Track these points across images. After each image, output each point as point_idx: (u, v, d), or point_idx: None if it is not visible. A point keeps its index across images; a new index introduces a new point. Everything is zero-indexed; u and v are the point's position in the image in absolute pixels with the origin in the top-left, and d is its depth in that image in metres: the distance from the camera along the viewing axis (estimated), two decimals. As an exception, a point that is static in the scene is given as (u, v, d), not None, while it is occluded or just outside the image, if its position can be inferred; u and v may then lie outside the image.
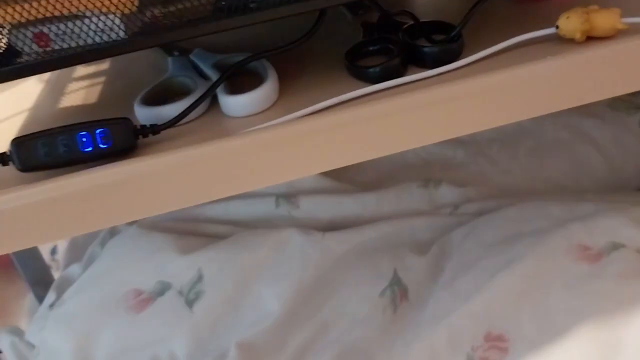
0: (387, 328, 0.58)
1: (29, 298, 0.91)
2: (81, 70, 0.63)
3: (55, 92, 0.58)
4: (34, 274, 0.92)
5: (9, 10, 0.38)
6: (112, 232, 0.75)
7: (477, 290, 0.55)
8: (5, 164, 0.40)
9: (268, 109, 0.45)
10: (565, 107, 0.44)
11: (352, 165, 0.80)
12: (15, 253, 0.92)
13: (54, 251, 1.02)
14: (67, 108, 0.54)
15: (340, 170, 0.77)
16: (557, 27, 0.44)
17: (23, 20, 0.38)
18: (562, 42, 0.44)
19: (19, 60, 0.41)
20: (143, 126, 0.43)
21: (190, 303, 0.64)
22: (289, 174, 0.42)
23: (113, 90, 0.55)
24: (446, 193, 0.71)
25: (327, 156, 0.42)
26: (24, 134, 0.40)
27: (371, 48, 0.50)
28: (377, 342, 0.57)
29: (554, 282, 0.53)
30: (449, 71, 0.45)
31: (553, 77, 0.43)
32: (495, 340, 0.52)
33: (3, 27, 0.39)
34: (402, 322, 0.58)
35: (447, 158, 0.76)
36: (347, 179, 0.75)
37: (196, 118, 0.46)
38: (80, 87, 0.58)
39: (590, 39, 0.43)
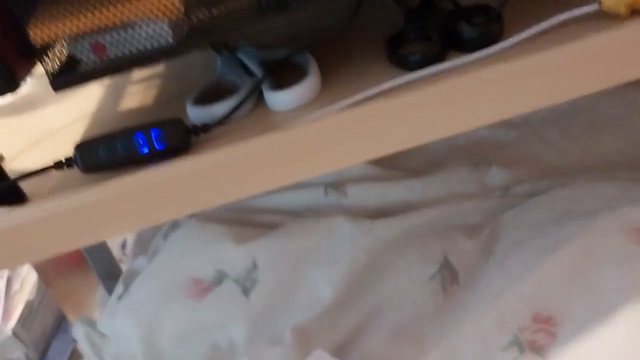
0: (438, 310, 0.59)
1: (100, 291, 0.96)
2: (137, 74, 0.66)
3: (114, 96, 0.61)
4: (104, 268, 0.97)
5: (68, 23, 0.41)
6: (174, 225, 0.79)
7: (527, 271, 0.54)
8: (70, 166, 0.44)
9: (312, 101, 0.46)
10: (614, 84, 0.43)
11: (400, 152, 0.80)
12: (86, 249, 0.97)
13: (124, 246, 1.07)
14: (125, 111, 0.57)
15: (387, 157, 0.78)
16: (599, 2, 0.43)
17: (81, 32, 0.41)
18: (606, 17, 0.43)
19: (79, 68, 0.43)
20: (195, 125, 0.45)
21: (246, 291, 0.66)
22: (337, 163, 0.43)
23: (167, 92, 0.58)
24: (497, 175, 0.71)
25: (373, 144, 0.43)
26: (87, 137, 0.43)
27: (412, 35, 0.50)
28: (428, 325, 0.58)
29: (605, 263, 0.53)
30: (490, 54, 0.44)
31: (598, 54, 0.42)
32: (544, 322, 0.52)
33: (64, 39, 0.42)
34: (452, 304, 0.59)
35: (498, 139, 0.76)
36: (394, 165, 0.75)
37: (244, 114, 0.48)
38: (137, 90, 0.61)
39: (636, 12, 0.42)
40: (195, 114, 0.48)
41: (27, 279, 1.14)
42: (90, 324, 0.73)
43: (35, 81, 0.72)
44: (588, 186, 0.62)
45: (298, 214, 0.73)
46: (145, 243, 0.83)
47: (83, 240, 0.43)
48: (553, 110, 0.78)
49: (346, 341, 0.60)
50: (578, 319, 0.51)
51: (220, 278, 0.68)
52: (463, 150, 0.76)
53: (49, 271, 1.13)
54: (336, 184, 0.73)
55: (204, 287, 0.68)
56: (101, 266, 0.97)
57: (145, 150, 0.43)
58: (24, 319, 1.08)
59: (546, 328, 0.51)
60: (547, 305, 0.52)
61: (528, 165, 0.71)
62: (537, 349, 0.51)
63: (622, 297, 0.50)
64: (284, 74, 0.48)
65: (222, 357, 0.63)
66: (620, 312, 0.49)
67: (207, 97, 0.50)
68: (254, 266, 0.67)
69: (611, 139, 0.73)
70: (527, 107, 0.44)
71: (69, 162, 0.43)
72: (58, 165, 0.44)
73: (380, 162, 0.75)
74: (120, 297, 0.73)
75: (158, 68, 0.64)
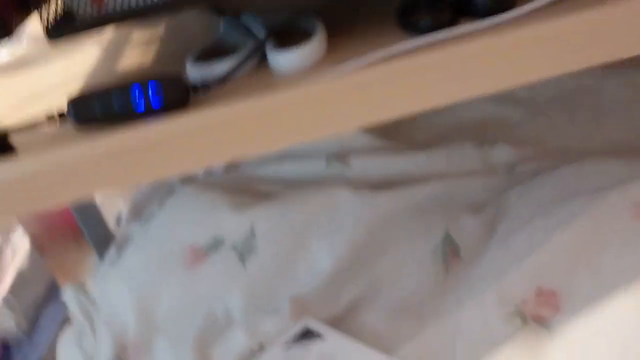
0: (439, 285, 0.58)
1: (93, 259, 0.96)
2: (137, 35, 0.64)
3: (113, 56, 0.60)
4: (98, 237, 0.96)
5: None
6: (170, 191, 0.77)
7: (532, 247, 0.53)
8: (63, 121, 0.42)
9: (317, 63, 0.45)
10: (627, 56, 0.42)
11: (405, 126, 0.79)
12: (80, 217, 0.96)
13: (119, 219, 1.06)
14: (123, 70, 0.55)
15: (392, 130, 0.77)
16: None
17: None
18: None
19: (75, 19, 0.42)
20: (194, 83, 0.43)
21: (243, 259, 0.65)
22: (339, 126, 0.42)
23: (167, 53, 0.56)
24: (502, 153, 0.70)
25: (377, 108, 0.42)
26: (81, 92, 0.41)
27: (424, 1, 0.48)
28: (428, 299, 0.57)
29: (610, 240, 0.52)
30: (502, 22, 0.43)
31: (614, 22, 0.40)
32: (547, 296, 0.51)
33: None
34: (454, 280, 0.58)
35: (503, 118, 0.74)
36: (399, 139, 0.74)
37: (246, 75, 0.47)
38: (137, 51, 0.59)
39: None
40: (195, 72, 0.46)
41: (20, 248, 1.13)
42: (82, 289, 0.72)
43: (32, 42, 0.70)
44: (595, 164, 0.61)
45: (298, 184, 0.71)
46: (140, 210, 0.81)
47: (73, 195, 0.42)
48: (560, 91, 0.77)
49: (344, 313, 0.59)
50: (581, 294, 0.50)
51: (216, 245, 0.67)
52: (469, 127, 0.75)
53: (42, 240, 1.12)
54: (339, 155, 0.72)
55: (199, 254, 0.67)
56: (95, 235, 0.96)
57: (142, 106, 0.41)
58: (15, 287, 1.07)
59: (550, 301, 0.51)
60: (550, 280, 0.52)
61: (533, 144, 0.70)
62: (541, 320, 0.50)
63: (627, 273, 0.49)
64: (290, 39, 0.47)
65: (217, 326, 0.62)
66: (625, 288, 0.48)
67: (209, 56, 0.48)
68: (252, 234, 0.66)
69: (617, 120, 0.72)
70: (537, 76, 0.42)
71: (62, 117, 0.42)
72: (50, 118, 0.42)
73: (384, 135, 0.74)
74: (112, 263, 0.72)
75: (159, 29, 0.63)
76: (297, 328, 0.58)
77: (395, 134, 0.75)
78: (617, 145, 0.70)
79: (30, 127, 0.43)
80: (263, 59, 0.47)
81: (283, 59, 0.45)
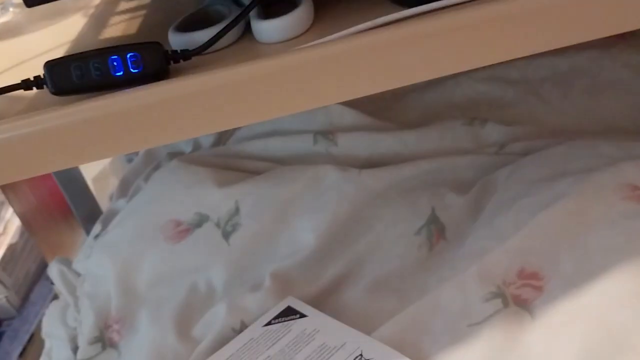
0: (422, 265, 0.57)
1: (81, 235, 0.95)
2: (123, 5, 0.63)
3: (96, 25, 0.59)
4: (88, 214, 0.96)
5: None
6: (157, 166, 0.77)
7: (516, 227, 0.53)
8: (39, 87, 0.41)
9: (302, 34, 0.44)
10: (631, 28, 0.41)
11: (395, 104, 0.78)
12: (70, 195, 0.95)
13: (112, 198, 1.05)
14: (106, 39, 0.54)
15: (381, 109, 0.76)
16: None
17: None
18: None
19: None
20: (174, 51, 0.42)
21: (227, 235, 0.64)
22: (324, 99, 0.41)
23: (152, 23, 0.55)
24: (492, 132, 0.69)
25: (363, 80, 0.41)
26: (59, 57, 0.40)
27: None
28: (411, 278, 0.56)
29: (597, 220, 0.51)
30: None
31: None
32: (530, 278, 0.50)
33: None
34: (437, 259, 0.57)
35: (495, 97, 0.73)
36: (388, 118, 0.73)
37: (229, 45, 0.46)
38: (121, 20, 0.58)
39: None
40: (177, 40, 0.45)
41: (11, 222, 1.13)
42: (66, 263, 0.71)
43: (17, 10, 0.69)
44: (586, 144, 0.60)
45: (285, 161, 0.70)
46: (127, 186, 0.81)
47: (51, 166, 0.41)
48: (553, 70, 0.76)
49: (326, 290, 0.58)
50: (564, 276, 0.49)
51: (200, 220, 0.66)
52: (459, 106, 0.73)
53: (32, 219, 1.11)
54: (326, 132, 0.71)
55: (183, 229, 0.66)
56: (84, 214, 0.96)
57: (120, 73, 0.40)
58: (5, 263, 1.07)
59: (532, 283, 0.50)
60: (533, 261, 0.51)
61: (525, 123, 0.69)
62: (522, 302, 0.50)
63: (613, 256, 0.48)
64: (276, 9, 0.45)
65: (199, 300, 0.62)
66: (610, 270, 0.47)
67: (192, 26, 0.47)
68: (236, 210, 0.65)
69: (612, 102, 0.71)
70: (523, 51, 0.41)
71: (38, 82, 0.41)
72: (26, 83, 0.41)
73: (373, 113, 0.73)
74: (97, 237, 0.71)
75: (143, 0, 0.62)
76: (279, 307, 0.58)
77: (385, 112, 0.74)
78: (611, 126, 0.69)
79: (4, 91, 0.41)
80: (248, 29, 0.46)
81: (267, 28, 0.44)
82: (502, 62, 0.41)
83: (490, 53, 0.41)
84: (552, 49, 0.41)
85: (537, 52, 0.41)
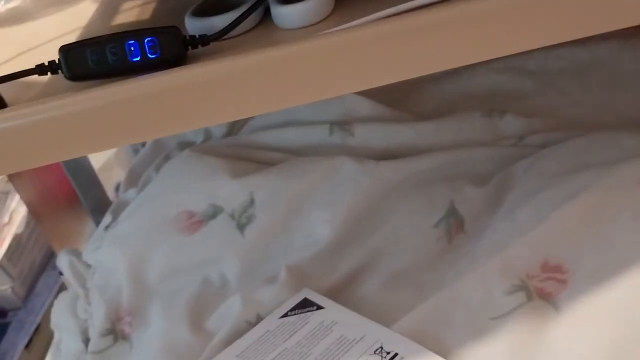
0: (440, 258, 0.56)
1: (90, 225, 0.94)
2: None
3: (108, 11, 0.58)
4: (96, 204, 0.95)
5: None
6: (167, 157, 0.76)
7: (538, 220, 0.52)
8: (54, 72, 0.40)
9: (323, 20, 0.43)
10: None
11: (412, 95, 0.77)
12: (78, 184, 0.94)
13: (118, 188, 1.04)
14: (118, 25, 0.53)
15: (399, 100, 0.74)
16: None
17: None
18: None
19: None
20: (192, 36, 0.41)
21: (241, 227, 0.63)
22: (343, 87, 0.40)
23: (165, 8, 0.54)
24: (511, 123, 0.67)
25: (386, 68, 0.40)
26: (74, 41, 0.39)
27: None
28: (429, 271, 0.55)
29: (621, 213, 0.50)
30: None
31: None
32: (553, 271, 0.49)
33: None
34: (456, 252, 0.56)
35: (514, 89, 0.72)
36: (405, 108, 0.72)
37: (248, 31, 0.45)
38: (133, 6, 0.57)
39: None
40: (194, 25, 0.44)
41: (16, 212, 1.12)
42: (76, 254, 0.70)
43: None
44: (607, 136, 0.59)
45: (300, 152, 0.69)
46: (137, 176, 0.80)
47: (64, 154, 0.39)
48: (572, 62, 0.75)
49: (342, 283, 0.57)
50: (588, 269, 0.48)
51: (214, 212, 0.65)
52: (477, 97, 0.72)
53: (39, 208, 1.10)
54: (342, 123, 0.69)
55: (196, 221, 0.65)
56: (92, 203, 0.95)
57: (137, 59, 0.39)
58: (11, 253, 1.06)
59: (555, 276, 0.49)
60: (557, 254, 0.50)
61: (544, 115, 0.68)
62: (546, 296, 0.49)
63: (637, 248, 0.47)
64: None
65: (212, 292, 0.61)
66: (636, 264, 0.46)
67: (210, 11, 0.46)
68: (251, 202, 0.64)
69: (631, 96, 0.70)
70: (551, 39, 0.40)
71: (53, 67, 0.40)
72: (41, 68, 0.40)
73: (390, 104, 0.72)
74: (107, 228, 0.70)
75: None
76: (295, 299, 0.57)
77: (401, 103, 0.73)
78: (631, 119, 0.67)
79: (18, 76, 0.40)
80: (267, 15, 0.45)
81: (287, 14, 0.43)
82: (520, 53, 0.40)
83: (510, 43, 0.40)
84: (572, 39, 0.40)
85: (557, 42, 0.40)
